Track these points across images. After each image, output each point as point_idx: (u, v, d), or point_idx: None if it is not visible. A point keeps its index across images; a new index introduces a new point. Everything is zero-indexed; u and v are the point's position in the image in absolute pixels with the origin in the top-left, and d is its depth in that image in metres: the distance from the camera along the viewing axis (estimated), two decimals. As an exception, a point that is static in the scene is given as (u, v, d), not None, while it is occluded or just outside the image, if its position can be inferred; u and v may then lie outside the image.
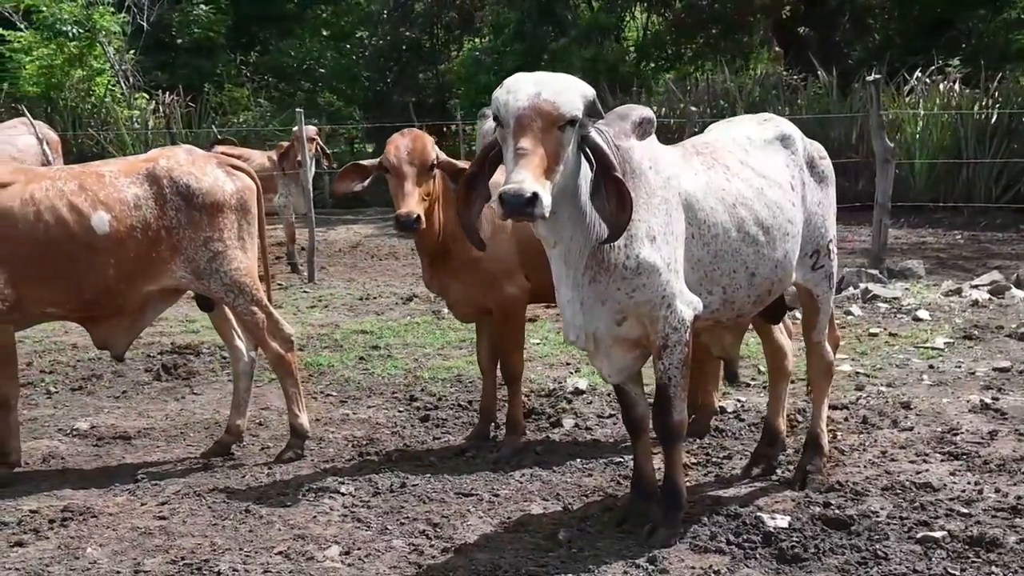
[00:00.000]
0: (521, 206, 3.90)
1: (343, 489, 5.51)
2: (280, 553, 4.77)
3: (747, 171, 4.94)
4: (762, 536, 4.79)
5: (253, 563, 4.67)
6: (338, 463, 5.98)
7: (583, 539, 4.86)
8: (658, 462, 5.12)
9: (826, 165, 5.35)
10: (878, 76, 11.40)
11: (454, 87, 22.14)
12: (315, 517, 5.18)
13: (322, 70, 26.26)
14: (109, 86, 20.67)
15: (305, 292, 11.69)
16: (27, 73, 20.84)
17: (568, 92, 4.14)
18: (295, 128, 12.23)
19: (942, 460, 5.78)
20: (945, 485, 5.39)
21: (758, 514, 5.01)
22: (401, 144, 5.63)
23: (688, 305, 4.61)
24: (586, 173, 4.30)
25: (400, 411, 7.01)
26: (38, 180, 5.69)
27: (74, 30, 19.91)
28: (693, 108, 16.08)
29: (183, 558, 4.72)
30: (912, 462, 5.76)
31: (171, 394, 7.49)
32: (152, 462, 6.11)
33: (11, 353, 5.81)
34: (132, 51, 21.31)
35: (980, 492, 5.27)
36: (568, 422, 6.59)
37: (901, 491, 5.32)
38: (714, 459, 5.94)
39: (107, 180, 5.70)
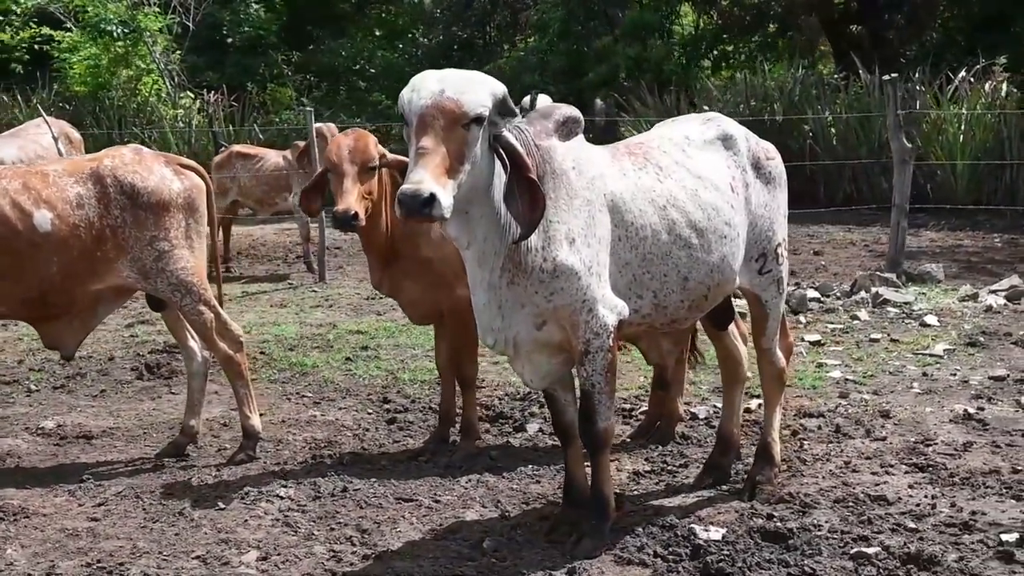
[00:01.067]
0: (418, 207, 3.82)
1: (282, 492, 5.43)
2: (198, 557, 4.71)
3: (681, 172, 4.79)
4: (691, 549, 4.65)
5: (168, 567, 4.61)
6: (289, 466, 5.90)
7: (508, 548, 4.75)
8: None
9: (773, 166, 5.17)
10: (894, 76, 11.08)
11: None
12: (246, 521, 5.11)
13: (373, 69, 26.28)
14: (154, 85, 20.84)
15: (313, 291, 11.66)
16: (75, 72, 21.09)
17: (473, 90, 4.04)
18: (317, 126, 12.21)
19: (906, 472, 5.58)
20: (900, 498, 5.20)
21: (692, 526, 4.86)
22: (343, 143, 5.58)
23: (611, 310, 4.48)
24: (500, 172, 4.19)
25: (369, 413, 6.93)
26: None
27: (119, 30, 20.10)
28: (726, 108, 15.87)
29: (99, 561, 4.68)
30: (874, 473, 5.57)
31: (148, 393, 7.47)
32: (105, 462, 6.08)
33: None
34: (177, 51, 21.46)
35: (934, 506, 5.07)
36: (532, 427, 6.46)
37: (853, 504, 5.13)
38: (670, 467, 5.78)
39: (51, 179, 5.68)
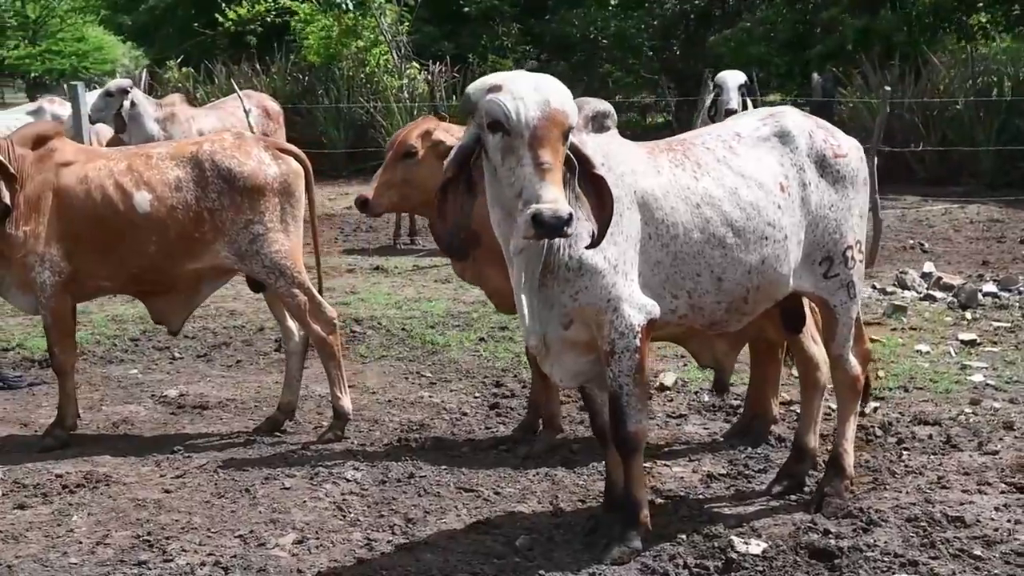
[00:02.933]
0: (561, 227, 3.80)
1: (350, 475, 5.53)
2: (240, 536, 4.84)
3: (722, 169, 4.60)
4: (723, 562, 4.48)
5: (209, 544, 4.77)
6: (371, 447, 5.99)
7: (542, 547, 4.69)
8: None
9: (844, 164, 4.85)
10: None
11: (723, 58, 21.50)
12: (304, 502, 5.22)
13: (605, 40, 26.14)
14: (382, 56, 21.34)
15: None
16: (309, 43, 21.85)
17: (569, 99, 4.01)
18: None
19: (1002, 492, 5.19)
20: (979, 521, 4.84)
21: (732, 537, 4.67)
22: (400, 133, 5.69)
23: (639, 310, 4.35)
24: None
25: (476, 397, 6.95)
26: (94, 160, 5.98)
27: (349, 2, 20.68)
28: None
29: (149, 533, 4.87)
30: (965, 491, 5.20)
31: (280, 366, 7.65)
32: (207, 433, 6.32)
33: (70, 324, 6.13)
34: (405, 22, 21.90)
35: (1011, 533, 4.71)
36: (625, 420, 6.32)
37: (924, 524, 4.82)
38: (748, 471, 5.57)
39: (153, 162, 5.91)
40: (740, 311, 4.67)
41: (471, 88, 4.13)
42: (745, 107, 11.95)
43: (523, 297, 4.32)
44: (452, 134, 5.69)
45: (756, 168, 4.64)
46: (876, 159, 10.90)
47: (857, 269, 4.94)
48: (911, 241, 12.45)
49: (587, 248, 4.17)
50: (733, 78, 11.72)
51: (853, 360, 5.04)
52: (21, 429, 6.48)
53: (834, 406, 5.42)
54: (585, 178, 4.09)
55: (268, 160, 5.98)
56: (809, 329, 5.26)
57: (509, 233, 4.13)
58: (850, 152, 4.91)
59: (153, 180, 5.87)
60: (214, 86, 21.93)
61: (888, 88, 11.85)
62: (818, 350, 5.25)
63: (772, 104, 23.05)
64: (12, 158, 5.87)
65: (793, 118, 4.87)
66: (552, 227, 3.79)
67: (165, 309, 6.17)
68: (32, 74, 41.84)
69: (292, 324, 6.31)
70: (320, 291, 6.28)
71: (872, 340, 7.77)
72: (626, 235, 4.32)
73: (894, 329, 8.29)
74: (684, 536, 4.74)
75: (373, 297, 9.88)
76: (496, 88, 3.99)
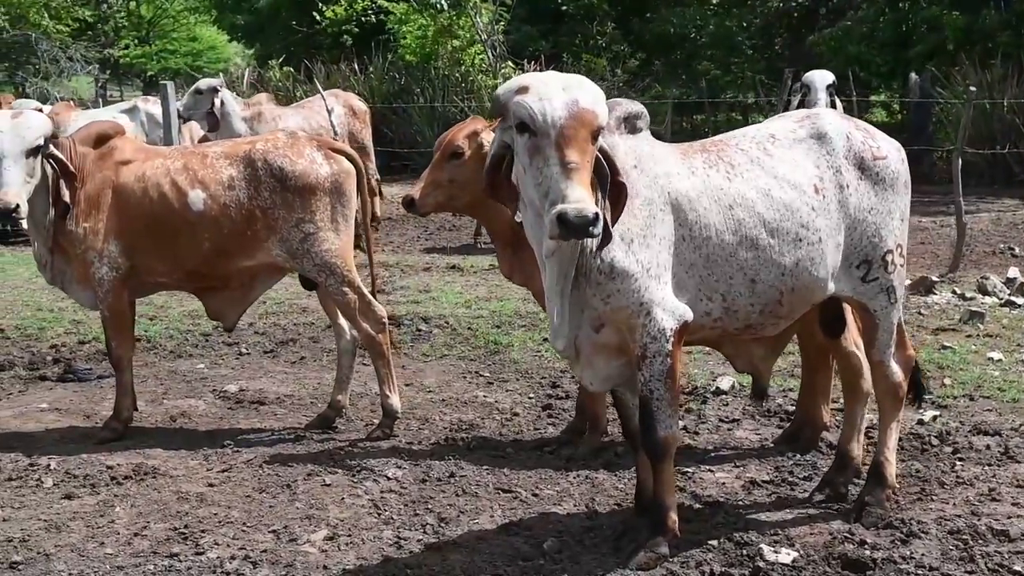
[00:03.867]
0: (587, 227, 3.78)
1: (391, 473, 5.56)
2: (273, 531, 4.90)
3: (755, 170, 4.53)
4: (751, 570, 4.44)
5: (242, 539, 4.83)
6: (418, 446, 6.02)
7: (569, 551, 4.67)
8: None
9: (883, 166, 4.74)
10: None
11: (821, 57, 21.15)
12: (343, 499, 5.27)
13: (704, 38, 25.92)
14: (478, 56, 21.44)
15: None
16: (405, 43, 22.04)
17: (599, 99, 3.98)
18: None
19: (1054, 506, 5.02)
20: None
21: (762, 545, 4.59)
22: (448, 133, 5.80)
23: (671, 314, 4.31)
24: None
25: (530, 397, 6.93)
26: (152, 159, 6.10)
27: (443, 2, 20.81)
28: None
29: (186, 527, 4.95)
30: (1015, 504, 5.06)
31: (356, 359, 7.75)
32: (259, 428, 6.40)
33: (128, 318, 6.26)
34: (501, 21, 21.96)
35: (1057, 548, 4.55)
36: (676, 424, 6.25)
37: (967, 537, 4.69)
38: (793, 478, 5.47)
39: (208, 160, 6.01)
40: (775, 314, 4.59)
41: (500, 90, 4.13)
42: (834, 107, 11.74)
43: (555, 300, 4.30)
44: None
45: (790, 169, 4.56)
46: (960, 161, 10.59)
47: (898, 273, 4.83)
48: (1002, 245, 12.11)
49: (598, 249, 4.14)
50: (821, 78, 11.53)
51: (895, 367, 4.92)
52: (83, 420, 6.63)
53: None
54: (612, 184, 4.06)
55: (320, 160, 6.04)
56: (851, 335, 5.14)
57: (540, 235, 4.10)
58: (890, 154, 4.79)
59: (207, 178, 5.96)
60: (313, 85, 22.20)
61: (974, 89, 11.52)
62: (860, 356, 5.14)
63: (870, 104, 22.77)
64: (73, 156, 6.01)
65: (830, 119, 4.77)
66: (577, 227, 3.76)
67: (220, 306, 6.28)
68: (148, 73, 42.81)
69: (343, 322, 6.36)
70: (373, 290, 6.33)
71: (943, 347, 7.64)
72: (659, 238, 4.29)
73: (969, 336, 8.07)
74: (715, 543, 4.67)
75: (444, 296, 9.92)
76: (523, 89, 3.98)
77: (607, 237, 4.04)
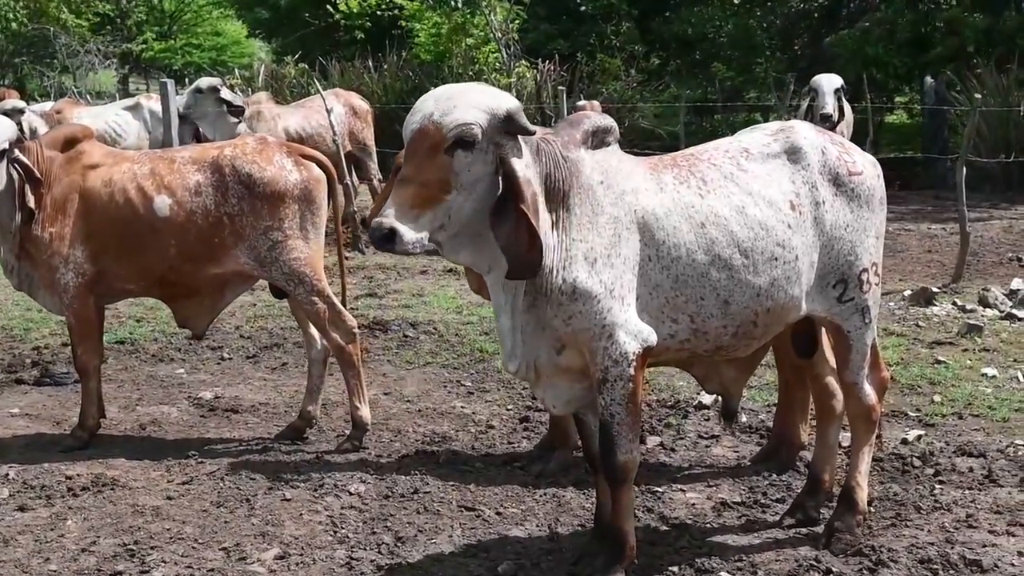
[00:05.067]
0: (378, 241, 3.81)
1: (353, 488, 5.43)
2: (224, 549, 4.79)
3: (729, 187, 4.36)
4: (707, 600, 4.25)
5: (191, 556, 4.72)
6: (386, 459, 5.88)
7: (525, 574, 4.52)
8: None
9: (859, 182, 4.56)
10: None
11: (838, 59, 20.88)
12: (300, 515, 5.15)
13: (722, 39, 25.70)
14: (492, 54, 21.31)
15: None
16: (419, 41, 21.93)
17: (460, 110, 3.86)
18: (580, 103, 12.05)
19: (1033, 535, 4.85)
20: (998, 566, 4.54)
21: (722, 573, 4.45)
22: None
23: (634, 337, 4.15)
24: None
25: (509, 409, 6.79)
26: (120, 163, 5.99)
27: (456, 0, 20.70)
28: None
29: (136, 542, 4.84)
30: (992, 532, 4.88)
31: (327, 369, 7.62)
32: (229, 438, 6.29)
33: (94, 325, 6.15)
34: (516, 20, 21.82)
35: (1028, 581, 4.38)
36: (652, 441, 6.11)
37: (937, 566, 4.54)
38: (765, 500, 5.31)
39: (175, 166, 5.90)
40: (749, 335, 4.43)
41: None
42: (842, 112, 11.55)
43: (504, 320, 4.18)
44: None
45: (765, 185, 4.40)
46: (964, 168, 10.39)
47: (873, 293, 4.66)
48: (1010, 255, 11.87)
49: (508, 278, 3.99)
50: (828, 82, 11.34)
51: (868, 389, 4.75)
52: (53, 427, 6.54)
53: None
54: (513, 211, 3.86)
55: (290, 166, 5.91)
56: (824, 355, 4.98)
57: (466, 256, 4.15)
58: (865, 169, 4.63)
59: (174, 184, 5.85)
60: (327, 83, 22.12)
61: (979, 96, 11.30)
62: (834, 377, 4.97)
63: (887, 108, 22.48)
64: (40, 160, 5.91)
65: (805, 133, 4.60)
66: (373, 239, 3.82)
67: (189, 313, 6.16)
68: (173, 68, 42.88)
69: (314, 331, 6.23)
70: (344, 300, 6.21)
71: (937, 361, 7.47)
72: (624, 258, 4.14)
73: (965, 350, 7.87)
74: (675, 569, 4.54)
75: (437, 300, 9.78)
76: None
77: (512, 274, 3.95)
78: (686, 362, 4.71)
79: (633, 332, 4.15)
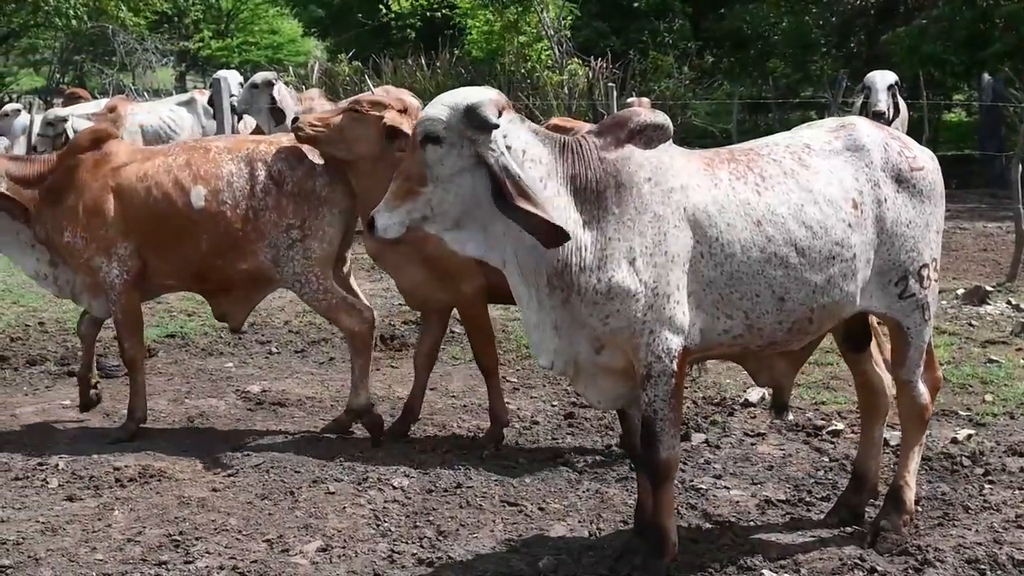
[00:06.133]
0: (366, 228, 4.27)
1: (396, 482, 5.45)
2: (268, 541, 4.82)
3: (789, 183, 4.31)
4: (748, 598, 4.23)
5: (235, 547, 4.76)
6: (431, 454, 5.88)
7: (566, 570, 4.54)
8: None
9: (921, 178, 4.50)
10: None
11: (894, 56, 20.64)
12: (344, 508, 5.17)
13: (777, 35, 25.54)
14: (545, 52, 21.29)
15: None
16: (472, 38, 21.96)
17: (431, 108, 4.06)
18: (630, 100, 12.01)
19: (1084, 536, 4.77)
20: (1046, 567, 4.45)
21: (765, 571, 4.41)
22: None
23: (677, 333, 4.15)
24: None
25: (554, 405, 6.79)
26: (152, 158, 6.08)
27: (508, -3, 20.73)
28: None
29: (181, 533, 4.89)
30: (1044, 533, 4.80)
31: (372, 364, 7.64)
32: (276, 431, 6.33)
33: (139, 319, 6.23)
34: (569, 17, 21.79)
35: (1078, 582, 4.31)
36: (698, 437, 6.07)
37: (985, 567, 4.49)
38: (811, 498, 5.26)
39: (210, 156, 5.97)
40: (803, 331, 4.40)
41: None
42: (897, 109, 11.44)
43: (528, 314, 4.22)
44: (402, 120, 5.91)
45: (826, 183, 4.35)
46: (1021, 166, 10.24)
47: (932, 289, 4.59)
48: (1068, 253, 11.67)
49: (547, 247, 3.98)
50: (882, 79, 11.24)
51: (922, 388, 4.69)
52: (102, 419, 6.61)
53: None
54: (501, 204, 3.93)
55: (319, 167, 5.95)
56: (872, 353, 4.92)
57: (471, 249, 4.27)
58: (926, 164, 4.56)
59: (209, 175, 5.91)
60: (381, 80, 22.18)
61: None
62: (881, 375, 4.91)
63: (943, 106, 22.20)
64: (57, 171, 6.08)
65: (866, 130, 4.54)
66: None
67: (226, 306, 6.23)
68: (229, 66, 43.29)
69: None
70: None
71: (990, 361, 7.38)
72: (670, 255, 4.11)
73: (1019, 349, 7.77)
74: (717, 566, 4.51)
75: (485, 297, 9.76)
76: None
77: (544, 242, 3.94)
78: (738, 356, 4.68)
79: (677, 328, 4.14)
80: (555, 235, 3.90)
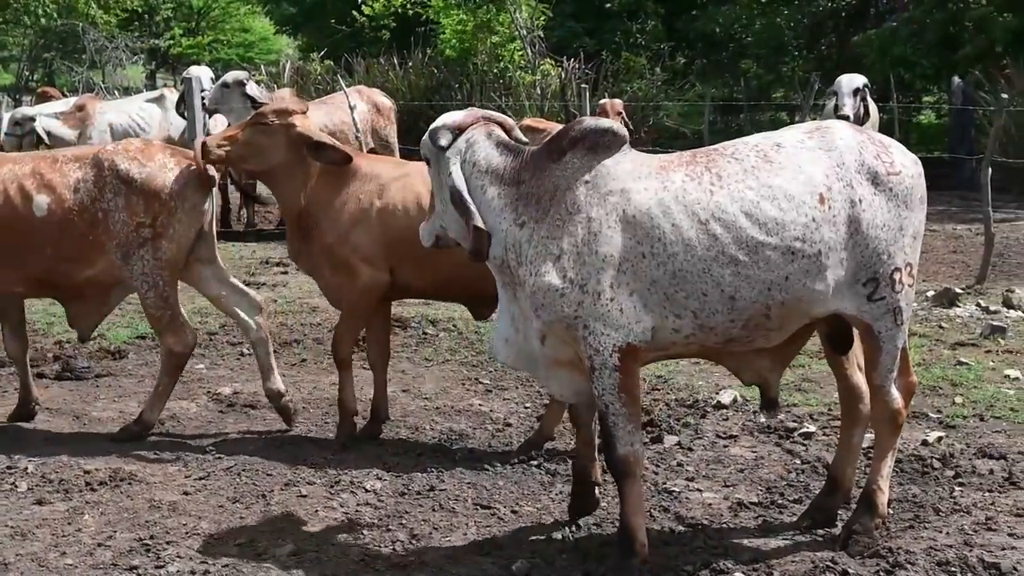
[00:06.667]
0: None
1: (369, 485, 5.44)
2: (240, 544, 4.79)
3: (748, 181, 4.34)
4: (721, 601, 4.23)
5: (208, 551, 4.72)
6: (403, 457, 5.87)
7: (538, 574, 4.52)
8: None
9: (898, 181, 4.49)
10: None
11: (865, 58, 20.74)
12: (316, 512, 5.15)
13: (749, 37, 25.63)
14: (517, 52, 21.29)
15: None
16: (444, 38, 21.92)
17: (427, 134, 4.59)
18: (602, 101, 12.06)
19: (1053, 538, 4.80)
20: (1016, 570, 4.49)
21: (737, 574, 4.43)
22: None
23: (615, 329, 4.28)
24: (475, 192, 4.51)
25: (527, 407, 6.78)
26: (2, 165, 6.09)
27: (481, -4, 20.71)
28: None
29: (152, 537, 4.85)
30: (1011, 535, 4.83)
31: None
32: (248, 434, 6.31)
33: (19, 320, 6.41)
34: (541, 17, 21.80)
35: (1047, 585, 4.34)
36: (670, 440, 6.09)
37: (955, 569, 4.50)
38: (784, 500, 5.28)
39: (57, 165, 6.00)
40: (763, 327, 4.42)
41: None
42: (867, 111, 11.49)
43: (502, 310, 4.62)
44: (309, 124, 5.94)
45: (790, 179, 4.36)
46: (991, 170, 10.31)
47: (905, 294, 4.58)
48: (1037, 256, 11.82)
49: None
50: (849, 82, 11.30)
51: (895, 392, 4.70)
52: (72, 422, 6.56)
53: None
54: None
55: (171, 166, 5.97)
56: (855, 357, 4.92)
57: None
58: (904, 169, 4.56)
59: (55, 182, 5.91)
60: (353, 79, 22.14)
61: (1006, 96, 11.21)
62: (863, 380, 4.91)
63: (913, 109, 22.34)
64: None
65: (842, 132, 4.56)
66: None
67: (77, 312, 6.26)
68: (200, 64, 43.10)
69: (244, 316, 6.32)
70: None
71: (960, 363, 7.42)
72: (602, 256, 4.26)
73: (988, 351, 7.82)
74: (690, 569, 4.51)
75: (457, 298, 9.76)
76: None
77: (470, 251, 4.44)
78: (713, 354, 4.71)
79: (614, 325, 4.27)
80: (478, 242, 4.36)
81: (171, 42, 38.64)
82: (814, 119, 9.63)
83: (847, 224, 4.41)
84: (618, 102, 12.24)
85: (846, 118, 10.64)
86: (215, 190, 6.20)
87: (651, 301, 4.27)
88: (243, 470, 5.65)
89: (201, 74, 12.58)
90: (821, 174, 4.41)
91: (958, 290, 9.43)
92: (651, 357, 4.57)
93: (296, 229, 6.00)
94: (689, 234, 4.25)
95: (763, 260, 4.28)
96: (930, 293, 9.45)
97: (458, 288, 5.88)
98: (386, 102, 13.38)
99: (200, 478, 5.57)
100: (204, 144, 5.89)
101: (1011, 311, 8.84)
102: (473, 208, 4.37)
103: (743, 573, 4.44)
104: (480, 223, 4.34)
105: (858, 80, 11.23)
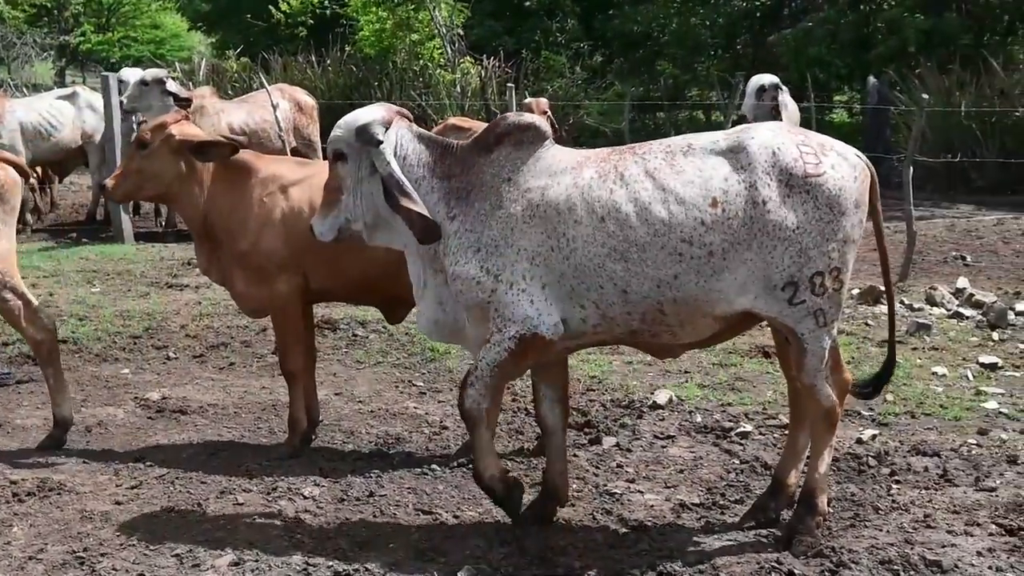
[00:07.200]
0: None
1: (307, 491, 5.34)
2: (177, 555, 4.67)
3: (645, 182, 4.50)
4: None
5: (141, 564, 4.60)
6: (339, 462, 5.78)
7: (483, 579, 4.46)
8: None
9: (819, 184, 4.46)
10: None
11: (781, 58, 20.99)
12: (254, 520, 5.04)
13: (666, 37, 25.79)
14: (437, 50, 21.20)
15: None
16: (363, 35, 21.76)
17: (336, 130, 4.78)
18: (527, 100, 12.05)
19: (990, 535, 4.85)
20: (957, 567, 4.53)
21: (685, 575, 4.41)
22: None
23: (521, 320, 4.55)
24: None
25: (463, 409, 6.71)
26: None
27: (399, -6, 20.58)
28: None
29: (85, 549, 4.72)
30: (951, 532, 4.87)
31: (272, 370, 7.51)
32: (179, 440, 6.18)
33: None
34: (461, 16, 21.73)
35: (989, 580, 4.39)
36: (608, 441, 6.07)
37: (898, 567, 4.53)
38: (725, 501, 5.29)
39: None
40: (663, 323, 4.56)
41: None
42: (776, 110, 11.54)
43: (417, 289, 4.86)
44: (187, 129, 5.81)
45: (685, 182, 4.46)
46: (912, 169, 10.47)
47: (830, 296, 4.57)
48: (954, 254, 12.00)
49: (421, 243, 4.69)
50: (755, 82, 11.44)
51: (827, 390, 4.71)
52: (-4, 430, 6.37)
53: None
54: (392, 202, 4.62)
55: None
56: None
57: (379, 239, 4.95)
58: (830, 171, 4.53)
59: None
60: (270, 78, 21.87)
61: (926, 97, 11.38)
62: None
63: (830, 108, 22.67)
64: None
65: (759, 133, 4.56)
66: None
67: None
68: (110, 60, 42.33)
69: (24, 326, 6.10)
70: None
71: (888, 361, 7.44)
72: (517, 248, 4.54)
73: (915, 348, 7.93)
74: (636, 572, 4.49)
75: (387, 299, 9.66)
76: None
77: (420, 239, 4.64)
78: (644, 346, 4.86)
79: (520, 317, 4.55)
80: (427, 229, 4.57)
81: (81, 38, 37.86)
82: (736, 119, 9.72)
83: (746, 225, 4.42)
84: (544, 101, 12.25)
85: (742, 118, 10.78)
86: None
87: (561, 293, 4.56)
88: (176, 478, 5.53)
89: (132, 76, 12.29)
90: (720, 177, 4.47)
91: (882, 288, 9.52)
92: (572, 345, 4.76)
93: (203, 241, 5.91)
94: (587, 230, 4.49)
95: (651, 259, 4.45)
96: (855, 291, 9.55)
97: (370, 290, 5.84)
98: (309, 100, 13.24)
99: (132, 487, 5.44)
100: (104, 188, 5.95)
101: (934, 308, 8.97)
102: (416, 196, 4.58)
103: (690, 575, 4.42)
104: (424, 210, 4.55)
105: (764, 79, 11.34)
